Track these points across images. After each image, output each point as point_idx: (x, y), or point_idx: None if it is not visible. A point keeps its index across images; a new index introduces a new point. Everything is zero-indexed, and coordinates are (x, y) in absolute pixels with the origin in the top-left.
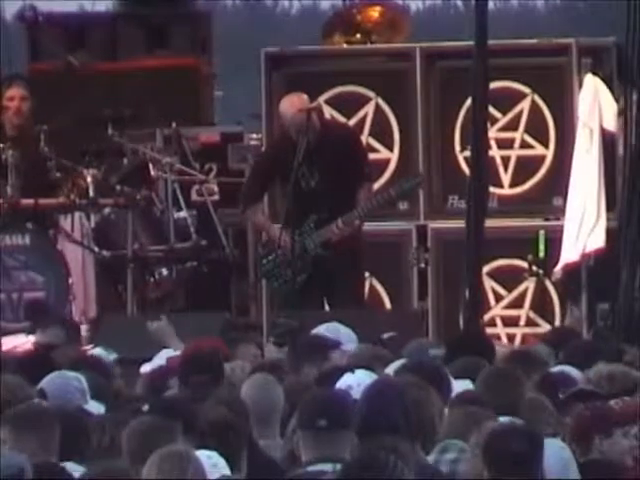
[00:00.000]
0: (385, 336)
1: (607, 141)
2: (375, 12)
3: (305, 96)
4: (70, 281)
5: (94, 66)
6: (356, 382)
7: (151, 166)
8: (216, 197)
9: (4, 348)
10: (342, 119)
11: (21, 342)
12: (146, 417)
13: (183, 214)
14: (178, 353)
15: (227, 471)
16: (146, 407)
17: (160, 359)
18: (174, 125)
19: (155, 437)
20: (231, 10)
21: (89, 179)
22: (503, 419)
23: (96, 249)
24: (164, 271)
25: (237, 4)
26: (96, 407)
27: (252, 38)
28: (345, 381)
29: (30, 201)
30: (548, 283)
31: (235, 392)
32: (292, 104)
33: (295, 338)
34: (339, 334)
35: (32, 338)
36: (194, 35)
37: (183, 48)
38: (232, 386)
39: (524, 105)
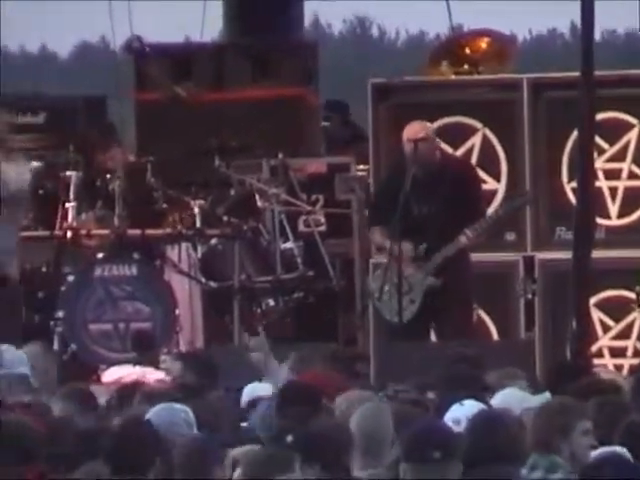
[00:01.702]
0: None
1: None
2: (483, 43)
3: (425, 124)
4: (177, 312)
5: (200, 96)
6: (464, 414)
7: (258, 197)
8: (323, 228)
9: (110, 379)
10: (449, 150)
11: (127, 373)
12: (263, 448)
13: (290, 245)
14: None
15: None
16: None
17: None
18: (280, 156)
19: (272, 467)
20: (337, 40)
21: (196, 210)
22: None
23: (203, 280)
24: (271, 302)
25: (344, 34)
26: None
27: (358, 68)
28: (454, 413)
29: (137, 231)
30: None
31: (337, 421)
32: (406, 131)
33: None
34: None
35: (138, 369)
36: (300, 65)
37: (289, 78)
38: (333, 415)
39: (631, 136)
